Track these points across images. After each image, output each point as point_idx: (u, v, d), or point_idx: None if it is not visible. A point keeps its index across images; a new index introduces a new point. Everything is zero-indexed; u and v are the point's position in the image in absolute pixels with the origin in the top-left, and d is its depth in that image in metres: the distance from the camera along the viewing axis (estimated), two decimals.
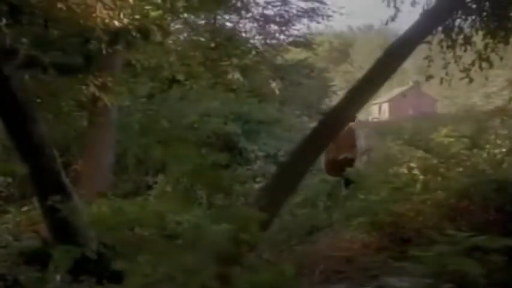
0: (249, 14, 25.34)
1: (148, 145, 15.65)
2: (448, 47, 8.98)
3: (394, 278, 6.45)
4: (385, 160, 10.59)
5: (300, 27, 27.63)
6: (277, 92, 23.96)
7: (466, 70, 9.43)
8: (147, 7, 11.18)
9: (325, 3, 27.49)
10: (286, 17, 26.39)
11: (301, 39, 27.43)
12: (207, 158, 16.44)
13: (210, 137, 16.93)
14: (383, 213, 9.19)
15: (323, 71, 38.92)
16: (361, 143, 11.98)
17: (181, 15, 15.59)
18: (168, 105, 17.36)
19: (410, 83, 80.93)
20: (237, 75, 21.02)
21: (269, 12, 26.23)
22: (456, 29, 8.65)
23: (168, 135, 16.27)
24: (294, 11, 26.62)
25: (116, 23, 10.71)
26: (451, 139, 10.12)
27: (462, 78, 9.54)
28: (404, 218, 9.22)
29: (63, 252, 3.53)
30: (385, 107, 77.75)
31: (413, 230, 9.13)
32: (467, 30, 8.84)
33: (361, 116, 46.80)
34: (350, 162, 11.47)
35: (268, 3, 25.86)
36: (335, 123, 6.40)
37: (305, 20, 27.36)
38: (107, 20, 10.72)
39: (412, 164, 10.08)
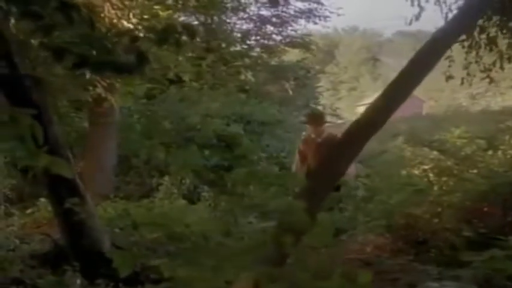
0: (246, 15, 25.31)
1: (152, 147, 15.51)
2: (469, 46, 8.93)
3: (435, 283, 6.34)
4: (398, 162, 10.48)
5: (297, 28, 27.66)
6: (290, 92, 24.01)
7: (486, 70, 9.37)
8: (156, 7, 11.10)
9: (322, 4, 27.52)
10: (284, 17, 26.33)
11: (298, 40, 27.36)
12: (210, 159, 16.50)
13: (212, 138, 16.82)
14: (398, 215, 9.11)
15: (319, 72, 38.92)
16: None
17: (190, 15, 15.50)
18: (169, 106, 17.23)
19: None
20: (249, 75, 20.93)
21: (265, 12, 26.21)
22: (478, 29, 8.58)
23: (172, 137, 16.15)
24: (292, 12, 26.61)
25: (125, 23, 10.61)
26: (464, 140, 10.06)
27: (483, 79, 9.50)
28: (420, 220, 9.14)
29: (123, 257, 3.38)
30: None
31: (429, 232, 9.05)
32: (490, 29, 8.78)
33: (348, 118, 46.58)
34: None
35: (264, 3, 25.72)
36: (369, 124, 6.29)
37: (302, 21, 27.44)
38: (115, 20, 10.61)
39: (425, 166, 10.02)
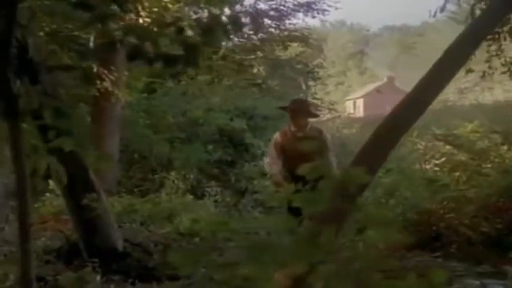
0: (243, 9, 25.14)
1: (156, 142, 15.39)
2: (491, 39, 8.86)
3: (474, 280, 6.27)
4: (414, 157, 10.40)
5: (295, 22, 27.48)
6: (303, 87, 23.82)
7: (508, 64, 9.32)
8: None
9: None
10: (282, 11, 26.14)
11: (297, 34, 27.22)
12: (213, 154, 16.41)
13: (215, 133, 16.73)
14: (414, 211, 9.04)
15: (318, 66, 38.83)
16: (330, 155, 9.01)
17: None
18: (170, 101, 17.09)
19: (385, 79, 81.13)
20: (261, 69, 20.75)
21: (263, 6, 26.04)
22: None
23: (174, 132, 16.04)
24: (290, 5, 26.38)
25: (133, 16, 10.46)
26: (477, 134, 10.02)
27: (504, 73, 9.46)
28: (435, 215, 9.08)
29: (183, 256, 3.27)
30: (360, 102, 77.81)
31: (443, 227, 8.99)
32: None
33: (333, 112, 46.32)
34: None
35: None
36: (404, 118, 6.19)
37: (300, 15, 27.26)
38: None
39: (437, 161, 9.97)
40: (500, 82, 61.80)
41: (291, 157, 8.76)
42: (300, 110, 9.03)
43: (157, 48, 3.85)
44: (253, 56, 22.07)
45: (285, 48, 27.38)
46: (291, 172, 8.71)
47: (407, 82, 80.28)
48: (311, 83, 41.52)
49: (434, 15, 8.99)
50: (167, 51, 3.74)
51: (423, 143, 10.25)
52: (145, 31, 3.91)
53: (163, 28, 3.79)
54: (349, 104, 78.08)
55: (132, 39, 3.73)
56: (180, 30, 3.94)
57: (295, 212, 7.88)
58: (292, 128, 8.97)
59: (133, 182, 14.70)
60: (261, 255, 3.50)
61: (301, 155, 9.01)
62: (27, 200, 3.81)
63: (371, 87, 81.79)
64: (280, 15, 26.43)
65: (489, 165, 9.62)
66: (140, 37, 3.75)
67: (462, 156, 9.71)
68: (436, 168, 9.97)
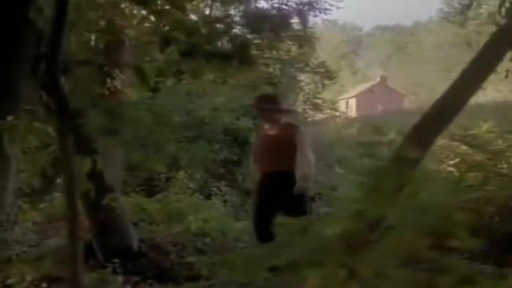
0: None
1: (161, 140, 15.26)
2: None
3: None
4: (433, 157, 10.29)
5: (296, 21, 27.24)
6: (320, 87, 23.80)
7: None
8: None
9: None
10: (284, 10, 25.97)
11: (300, 33, 27.08)
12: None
13: (221, 132, 16.66)
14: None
15: (319, 66, 38.78)
16: (308, 152, 7.85)
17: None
18: (174, 100, 17.01)
19: (378, 78, 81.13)
20: (277, 68, 20.69)
21: (265, 5, 25.87)
22: None
23: (181, 131, 15.94)
24: (293, 4, 26.22)
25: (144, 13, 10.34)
26: (492, 134, 9.93)
27: None
28: None
29: (247, 258, 3.19)
30: (352, 102, 77.84)
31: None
32: None
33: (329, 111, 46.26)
34: (289, 177, 7.65)
35: None
36: (441, 115, 6.08)
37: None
38: (135, 11, 10.36)
39: (451, 161, 9.89)
40: (493, 82, 62.01)
41: (262, 156, 8.07)
42: (268, 105, 7.96)
43: (206, 44, 3.77)
44: (268, 55, 22.01)
45: (300, 47, 27.40)
46: (262, 172, 8.01)
47: (400, 81, 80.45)
48: (312, 82, 41.60)
49: (460, 13, 8.89)
50: (215, 48, 3.66)
51: (439, 143, 10.14)
52: (194, 27, 3.80)
53: (211, 24, 3.69)
54: (342, 103, 78.01)
55: (182, 36, 3.64)
56: (229, 27, 3.85)
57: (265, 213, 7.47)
58: (266, 126, 8.17)
59: (138, 181, 14.61)
60: (322, 256, 3.40)
61: (271, 154, 8.56)
62: (76, 201, 3.71)
63: (364, 86, 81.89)
64: (282, 15, 26.27)
65: (505, 166, 9.55)
66: (189, 34, 3.66)
67: (478, 157, 9.63)
68: (451, 169, 9.88)
